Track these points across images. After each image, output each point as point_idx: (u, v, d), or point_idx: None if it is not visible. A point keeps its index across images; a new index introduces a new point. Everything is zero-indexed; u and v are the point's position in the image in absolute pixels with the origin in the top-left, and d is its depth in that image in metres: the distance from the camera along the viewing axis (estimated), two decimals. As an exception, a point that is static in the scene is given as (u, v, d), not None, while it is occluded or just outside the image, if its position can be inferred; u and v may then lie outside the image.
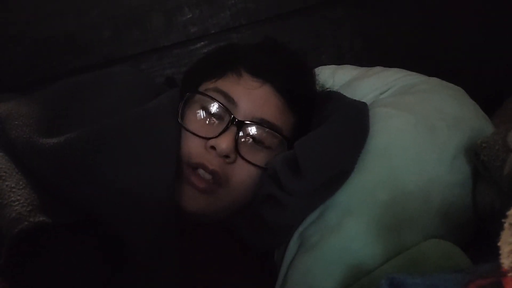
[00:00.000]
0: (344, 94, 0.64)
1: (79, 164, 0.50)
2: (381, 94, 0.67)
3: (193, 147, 0.56)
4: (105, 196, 0.50)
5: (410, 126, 0.58)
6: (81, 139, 0.51)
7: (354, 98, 0.63)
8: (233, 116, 0.57)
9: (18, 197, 0.46)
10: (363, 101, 0.63)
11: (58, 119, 0.54)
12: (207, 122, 0.58)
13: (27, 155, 0.50)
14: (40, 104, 0.55)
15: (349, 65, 0.77)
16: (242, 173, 0.57)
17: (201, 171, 0.55)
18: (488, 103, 0.68)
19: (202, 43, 0.89)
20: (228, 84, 0.59)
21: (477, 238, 0.56)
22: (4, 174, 0.48)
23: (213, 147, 0.55)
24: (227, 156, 0.55)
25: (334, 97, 0.63)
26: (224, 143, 0.55)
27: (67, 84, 0.60)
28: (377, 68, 0.73)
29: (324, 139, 0.56)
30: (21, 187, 0.47)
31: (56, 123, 0.54)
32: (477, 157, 0.54)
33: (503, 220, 0.35)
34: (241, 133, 0.57)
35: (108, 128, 0.52)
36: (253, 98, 0.58)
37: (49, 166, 0.50)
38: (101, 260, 0.50)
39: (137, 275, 0.51)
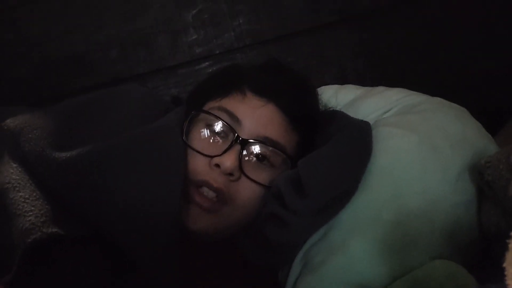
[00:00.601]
0: (347, 113, 0.65)
1: (87, 180, 0.51)
2: (384, 113, 0.67)
3: (198, 165, 0.57)
4: (111, 212, 0.51)
5: (414, 146, 0.58)
6: (89, 156, 0.51)
7: (357, 118, 0.64)
8: (237, 135, 0.57)
9: (32, 208, 0.47)
10: (366, 120, 0.63)
11: (71, 134, 0.55)
12: (211, 140, 0.58)
13: (39, 167, 0.51)
14: (54, 118, 0.56)
15: (351, 85, 0.78)
16: (246, 191, 0.57)
17: (205, 190, 0.56)
18: (491, 122, 0.68)
19: (207, 63, 0.91)
20: (233, 103, 0.59)
21: (483, 259, 0.55)
22: (18, 185, 0.49)
23: (217, 165, 0.56)
24: (231, 174, 0.56)
25: (337, 116, 0.64)
26: (228, 161, 0.55)
27: (79, 100, 0.61)
28: (380, 88, 0.73)
29: (328, 158, 0.56)
30: (34, 198, 0.48)
31: (68, 138, 0.54)
32: (481, 177, 0.53)
33: (507, 241, 0.35)
34: (245, 152, 0.57)
35: (115, 146, 0.53)
36: (257, 116, 0.59)
37: (60, 180, 0.51)
38: (103, 267, 0.50)
39: (138, 282, 0.51)
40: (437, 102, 0.67)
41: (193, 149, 0.57)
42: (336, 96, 0.73)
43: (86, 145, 0.52)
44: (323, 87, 0.76)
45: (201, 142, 0.58)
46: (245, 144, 0.57)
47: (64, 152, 0.51)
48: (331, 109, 0.67)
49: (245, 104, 0.59)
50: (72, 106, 0.60)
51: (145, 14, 0.88)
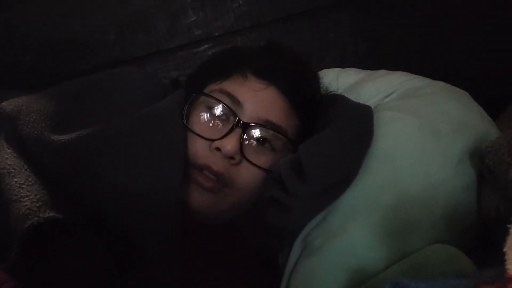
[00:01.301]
0: (348, 97, 0.64)
1: (86, 166, 0.50)
2: (385, 97, 0.67)
3: (198, 148, 0.56)
4: (112, 198, 0.50)
5: (415, 130, 0.58)
6: (88, 141, 0.51)
7: (359, 102, 0.63)
8: (238, 118, 0.57)
9: (28, 193, 0.46)
10: (367, 104, 0.63)
11: (69, 117, 0.55)
12: (212, 123, 0.58)
13: (38, 151, 0.51)
14: (51, 101, 0.55)
15: (353, 68, 0.77)
16: (247, 175, 0.57)
17: (206, 172, 0.55)
18: (493, 106, 0.67)
19: (206, 45, 0.90)
20: (234, 86, 0.59)
21: (482, 243, 0.56)
22: (13, 170, 0.48)
23: (218, 149, 0.55)
24: (232, 158, 0.56)
25: (338, 100, 0.63)
26: (229, 144, 0.55)
27: (77, 82, 0.61)
28: (382, 71, 0.73)
29: (329, 143, 0.56)
30: (30, 183, 0.48)
31: (67, 121, 0.54)
32: (482, 161, 0.53)
33: (508, 226, 0.35)
34: (245, 135, 0.57)
35: (114, 131, 0.52)
36: (258, 99, 0.58)
37: (60, 163, 0.50)
38: (105, 264, 0.50)
39: (138, 281, 0.51)
40: (439, 86, 0.66)
41: (194, 132, 0.57)
42: (337, 80, 0.72)
43: (84, 129, 0.52)
44: (324, 71, 0.75)
45: (201, 125, 0.58)
46: (246, 127, 0.57)
47: (63, 136, 0.51)
48: (332, 92, 0.67)
49: (246, 87, 0.59)
50: (70, 89, 0.59)
51: (143, -4, 0.87)
